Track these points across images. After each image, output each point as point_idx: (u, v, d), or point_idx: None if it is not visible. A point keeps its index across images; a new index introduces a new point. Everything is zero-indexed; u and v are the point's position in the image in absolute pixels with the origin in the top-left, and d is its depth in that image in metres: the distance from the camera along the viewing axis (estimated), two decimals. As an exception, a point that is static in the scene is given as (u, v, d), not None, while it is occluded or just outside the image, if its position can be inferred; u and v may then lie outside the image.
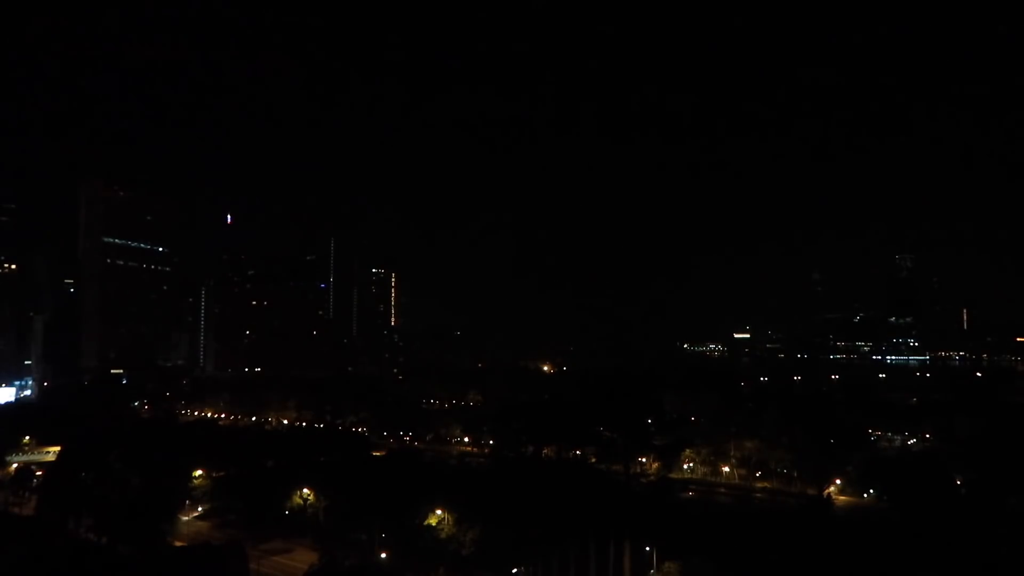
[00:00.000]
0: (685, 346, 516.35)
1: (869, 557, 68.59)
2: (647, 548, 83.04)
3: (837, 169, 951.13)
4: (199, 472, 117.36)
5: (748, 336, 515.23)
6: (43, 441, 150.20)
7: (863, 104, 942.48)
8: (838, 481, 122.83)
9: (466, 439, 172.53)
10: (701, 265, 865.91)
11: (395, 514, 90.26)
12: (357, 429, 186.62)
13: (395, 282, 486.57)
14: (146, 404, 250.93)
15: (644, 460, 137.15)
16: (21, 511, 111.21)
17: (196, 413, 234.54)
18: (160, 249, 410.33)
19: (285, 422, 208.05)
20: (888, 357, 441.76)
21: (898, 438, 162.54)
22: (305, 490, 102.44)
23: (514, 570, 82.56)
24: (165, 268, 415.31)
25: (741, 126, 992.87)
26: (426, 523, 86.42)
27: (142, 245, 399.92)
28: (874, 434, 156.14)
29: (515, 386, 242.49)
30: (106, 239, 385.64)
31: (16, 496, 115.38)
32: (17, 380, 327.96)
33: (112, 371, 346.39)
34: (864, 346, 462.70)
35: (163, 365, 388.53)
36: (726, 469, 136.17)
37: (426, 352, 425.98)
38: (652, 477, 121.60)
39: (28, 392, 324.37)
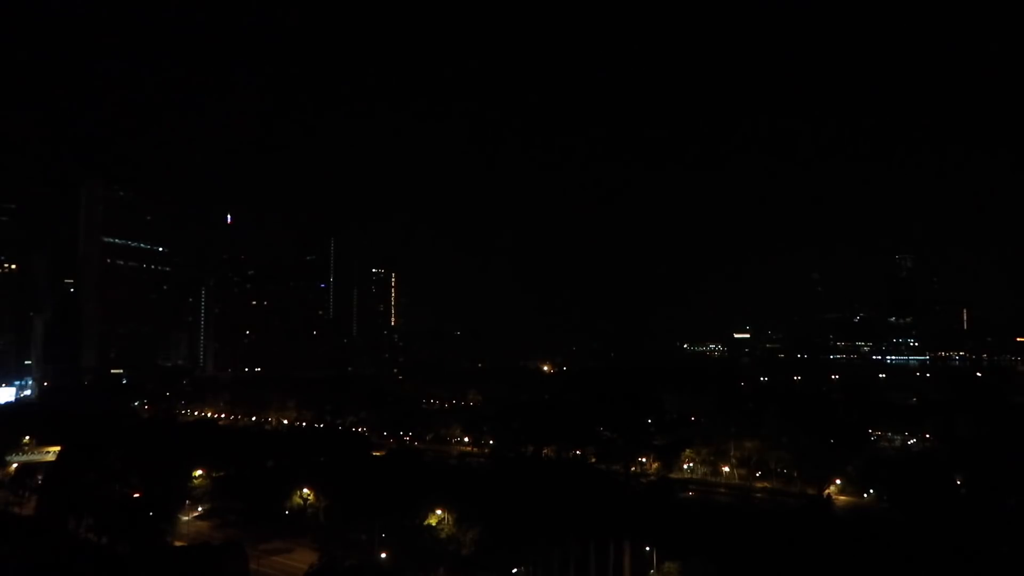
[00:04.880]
0: (685, 346, 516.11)
1: (869, 557, 68.61)
2: (647, 548, 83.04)
3: (837, 169, 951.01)
4: (199, 472, 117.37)
5: (748, 336, 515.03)
6: (43, 441, 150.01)
7: (863, 104, 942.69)
8: (838, 481, 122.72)
9: (466, 439, 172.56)
10: (701, 265, 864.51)
11: (395, 514, 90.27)
12: (357, 429, 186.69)
13: (395, 282, 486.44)
14: (146, 404, 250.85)
15: (644, 460, 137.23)
16: (21, 511, 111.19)
17: (196, 413, 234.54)
18: (160, 249, 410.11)
19: (285, 422, 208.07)
20: (888, 357, 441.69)
21: (898, 438, 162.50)
22: (305, 490, 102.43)
23: (514, 570, 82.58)
24: (165, 268, 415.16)
25: (741, 127, 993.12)
26: (426, 523, 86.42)
27: (142, 245, 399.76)
28: (874, 434, 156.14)
29: (515, 386, 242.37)
30: (106, 239, 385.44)
31: (16, 496, 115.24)
32: (17, 380, 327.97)
33: (112, 371, 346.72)
34: (864, 346, 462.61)
35: (163, 365, 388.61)
36: (726, 469, 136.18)
37: (426, 352, 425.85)
38: (652, 477, 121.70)
39: (28, 392, 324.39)
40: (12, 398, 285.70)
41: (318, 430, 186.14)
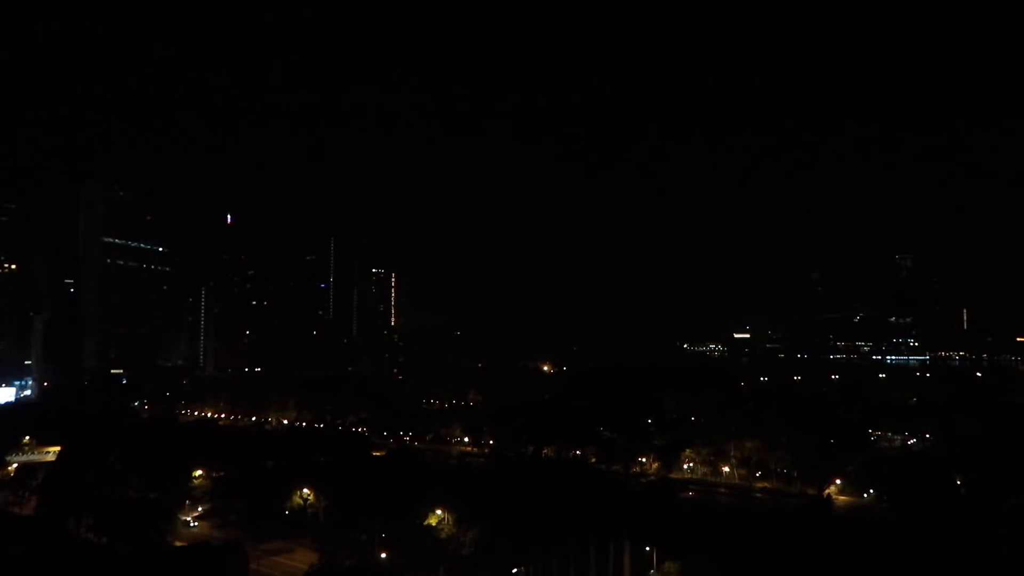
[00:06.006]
0: (685, 346, 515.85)
1: (869, 557, 68.60)
2: (647, 548, 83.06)
3: (837, 169, 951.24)
4: (199, 472, 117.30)
5: (748, 336, 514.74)
6: (43, 441, 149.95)
7: (863, 105, 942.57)
8: (838, 481, 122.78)
9: (466, 439, 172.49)
10: (701, 265, 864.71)
11: (395, 514, 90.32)
12: (357, 429, 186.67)
13: (395, 282, 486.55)
14: (146, 404, 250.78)
15: (644, 460, 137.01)
16: (21, 511, 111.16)
17: (196, 413, 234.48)
18: (160, 249, 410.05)
19: (285, 422, 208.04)
20: (888, 357, 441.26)
21: (898, 438, 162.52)
22: (305, 490, 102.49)
23: (514, 570, 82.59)
24: (165, 268, 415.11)
25: (742, 127, 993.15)
26: (426, 523, 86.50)
27: (142, 245, 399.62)
28: (874, 434, 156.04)
29: (515, 386, 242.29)
30: (106, 239, 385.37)
31: (16, 496, 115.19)
32: (17, 380, 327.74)
33: (112, 371, 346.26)
34: (864, 346, 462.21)
35: (163, 365, 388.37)
36: (726, 469, 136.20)
37: (426, 352, 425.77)
38: (652, 477, 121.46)
39: (28, 392, 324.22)
40: (12, 398, 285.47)
41: (318, 430, 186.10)
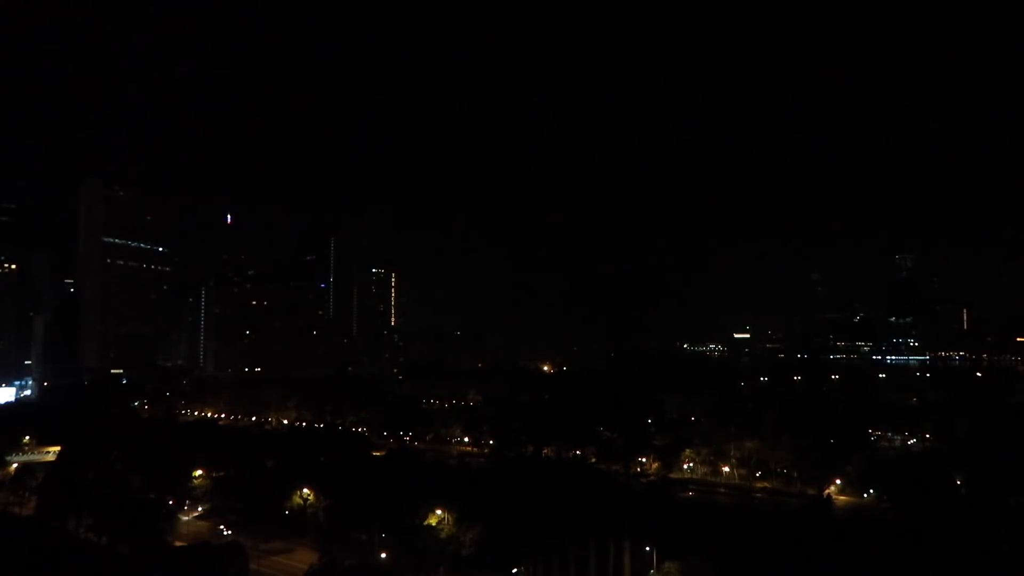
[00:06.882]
0: (685, 346, 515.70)
1: (869, 557, 68.63)
2: (647, 548, 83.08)
3: (837, 169, 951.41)
4: (199, 472, 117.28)
5: (748, 336, 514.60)
6: (43, 441, 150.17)
7: (863, 104, 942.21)
8: (838, 481, 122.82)
9: (466, 439, 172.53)
10: (702, 265, 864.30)
11: (395, 514, 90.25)
12: (357, 429, 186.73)
13: (395, 282, 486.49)
14: (146, 404, 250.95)
15: (644, 460, 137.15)
16: (21, 511, 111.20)
17: (196, 413, 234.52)
18: (160, 249, 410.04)
19: (285, 422, 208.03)
20: (888, 357, 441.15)
21: (898, 438, 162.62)
22: (305, 490, 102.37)
23: (514, 570, 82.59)
24: (165, 268, 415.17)
25: (742, 127, 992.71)
26: (426, 523, 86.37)
27: (142, 245, 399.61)
28: (874, 434, 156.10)
29: (515, 386, 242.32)
30: (106, 239, 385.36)
31: (16, 496, 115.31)
32: (17, 380, 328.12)
33: (112, 371, 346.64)
34: (864, 346, 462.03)
35: (163, 365, 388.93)
36: (726, 469, 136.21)
37: (426, 352, 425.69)
38: (652, 477, 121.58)
39: (28, 392, 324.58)
40: (12, 398, 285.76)
41: (318, 430, 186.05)
